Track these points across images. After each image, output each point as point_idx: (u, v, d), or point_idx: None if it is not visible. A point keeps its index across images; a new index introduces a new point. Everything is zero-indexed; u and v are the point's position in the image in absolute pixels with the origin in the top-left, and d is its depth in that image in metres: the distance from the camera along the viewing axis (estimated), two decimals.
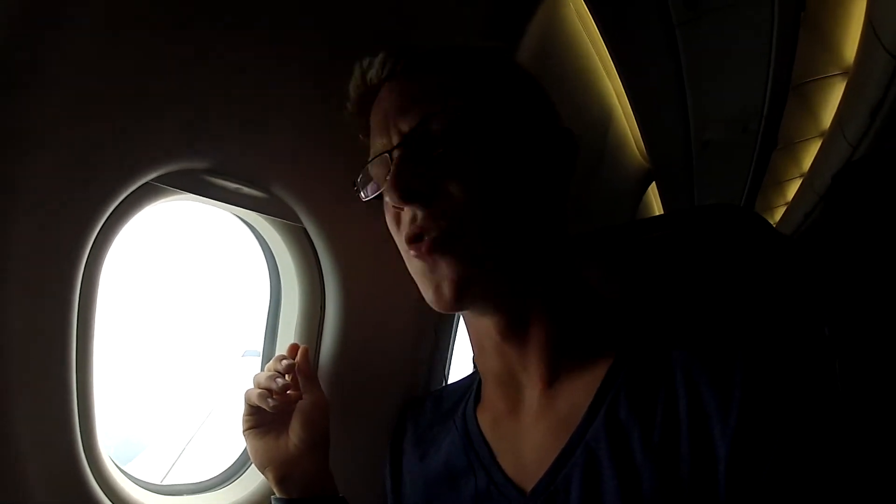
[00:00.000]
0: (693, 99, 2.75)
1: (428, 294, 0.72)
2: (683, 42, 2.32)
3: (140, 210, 0.85)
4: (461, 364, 1.45)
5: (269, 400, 0.91)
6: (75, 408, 0.77)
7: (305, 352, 1.00)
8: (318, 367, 1.10)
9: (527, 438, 0.77)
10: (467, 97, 0.72)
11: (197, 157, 0.85)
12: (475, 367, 0.89)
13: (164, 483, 1.01)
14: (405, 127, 0.71)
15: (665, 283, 0.92)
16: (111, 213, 0.78)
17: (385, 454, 0.97)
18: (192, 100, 0.81)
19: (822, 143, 5.76)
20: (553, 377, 0.76)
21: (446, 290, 0.70)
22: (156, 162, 0.79)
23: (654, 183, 3.38)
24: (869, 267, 0.87)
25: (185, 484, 1.05)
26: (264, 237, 1.12)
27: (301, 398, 0.96)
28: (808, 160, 6.49)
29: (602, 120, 2.24)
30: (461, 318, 0.98)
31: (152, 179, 0.81)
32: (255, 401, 0.92)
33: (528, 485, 0.73)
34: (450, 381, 1.04)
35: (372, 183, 0.78)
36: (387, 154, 0.72)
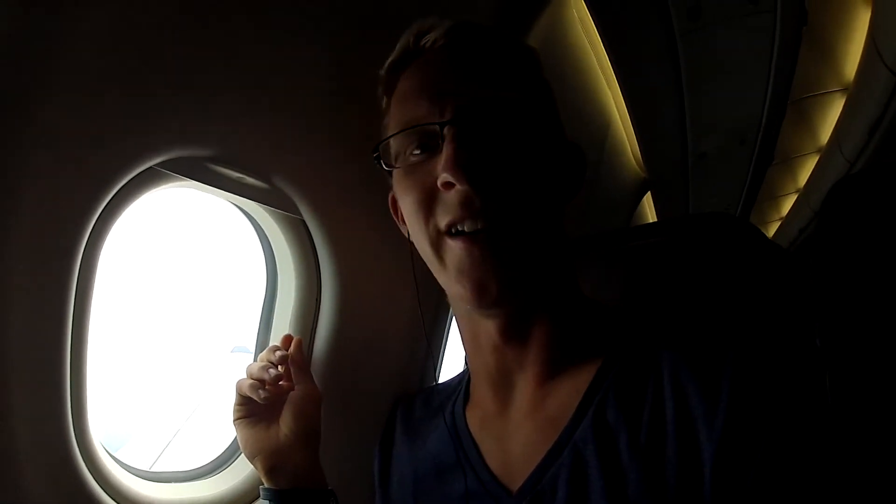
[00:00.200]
0: (692, 110, 2.76)
1: (461, 288, 0.70)
2: (684, 52, 2.33)
3: (142, 195, 0.85)
4: (451, 363, 1.46)
5: (261, 391, 0.91)
6: (68, 392, 0.77)
7: (299, 343, 1.00)
8: (311, 359, 1.10)
9: (514, 437, 0.77)
10: (521, 88, 0.73)
11: (201, 145, 0.86)
12: (466, 365, 0.89)
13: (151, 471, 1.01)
14: (462, 101, 0.69)
15: (657, 289, 0.92)
16: (113, 196, 0.78)
17: (375, 448, 0.97)
18: (198, 88, 0.81)
19: (819, 159, 5.78)
20: (546, 379, 0.76)
21: (493, 287, 0.68)
22: (161, 147, 0.80)
23: (649, 192, 3.38)
24: (863, 280, 0.87)
25: (174, 472, 1.05)
26: (263, 228, 1.12)
27: (293, 389, 0.95)
28: (804, 175, 6.50)
29: (601, 128, 2.24)
30: (453, 315, 0.98)
31: (156, 164, 0.81)
32: (247, 391, 0.92)
33: (515, 484, 0.74)
34: (440, 380, 1.04)
35: (407, 153, 0.74)
36: (436, 126, 0.70)
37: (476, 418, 0.84)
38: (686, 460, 0.63)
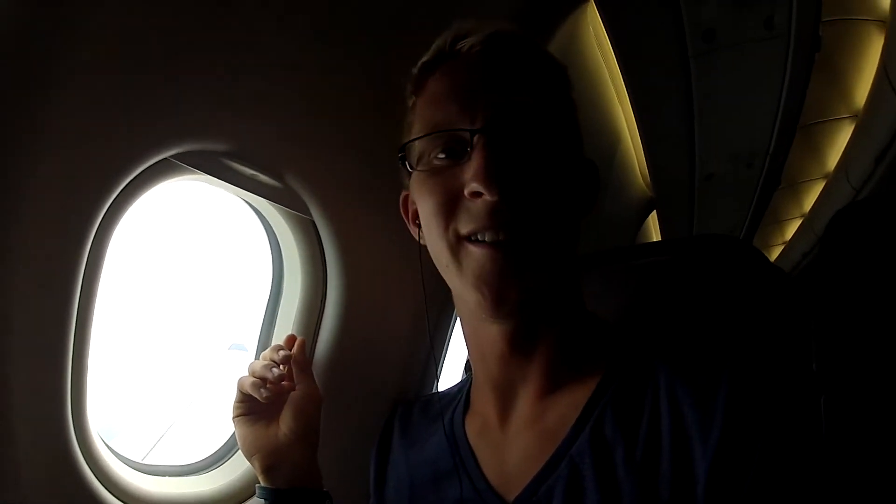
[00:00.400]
0: (701, 131, 2.77)
1: (479, 295, 0.69)
2: (697, 74, 2.34)
3: (155, 185, 0.86)
4: (452, 369, 1.46)
5: (263, 390, 0.90)
6: (69, 385, 0.78)
7: (302, 343, 1.00)
8: (313, 359, 1.10)
9: (512, 448, 0.77)
10: (551, 102, 0.73)
11: (215, 139, 0.86)
12: (465, 373, 0.89)
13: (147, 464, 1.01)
14: (493, 109, 0.69)
15: (658, 307, 0.93)
16: (127, 185, 0.79)
17: (372, 451, 0.97)
18: (214, 81, 0.82)
19: (826, 185, 5.78)
20: (548, 391, 0.76)
21: (512, 297, 0.68)
22: (175, 139, 0.81)
23: (654, 212, 3.39)
24: (862, 307, 0.87)
25: (170, 466, 1.05)
26: (272, 226, 1.13)
27: (294, 389, 0.95)
28: (809, 201, 6.51)
29: (610, 144, 2.25)
30: (457, 322, 0.98)
31: (171, 156, 0.82)
32: (248, 389, 0.91)
33: (511, 494, 0.74)
34: (440, 386, 1.04)
35: (431, 156, 0.73)
36: (466, 132, 0.69)
37: (475, 427, 0.84)
38: (680, 476, 0.64)
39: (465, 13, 0.76)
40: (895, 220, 0.87)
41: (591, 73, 1.87)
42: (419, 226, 0.78)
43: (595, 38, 1.78)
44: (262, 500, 0.92)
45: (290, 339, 1.01)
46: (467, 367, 0.90)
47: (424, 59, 0.77)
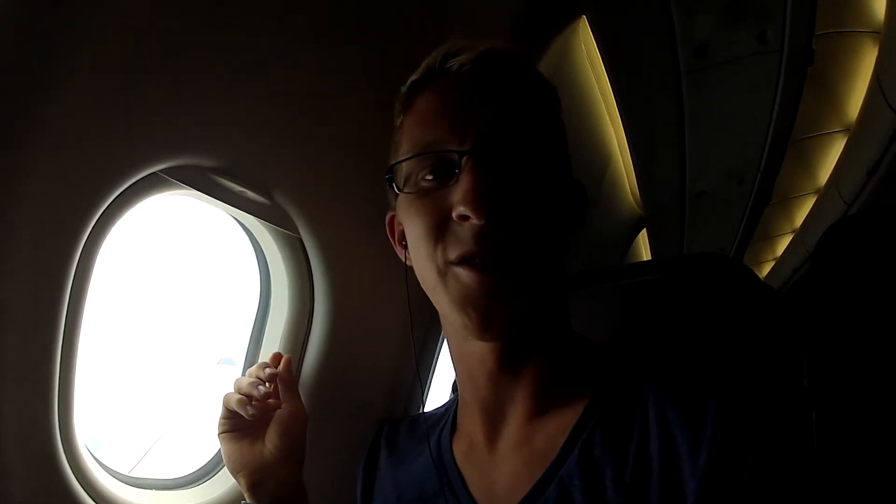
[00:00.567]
0: (692, 148, 2.78)
1: (466, 318, 0.68)
2: (689, 91, 2.35)
3: (143, 199, 0.86)
4: (439, 389, 1.45)
5: (248, 408, 0.90)
6: (56, 397, 0.77)
7: (288, 361, 1.00)
8: (300, 377, 1.10)
9: (500, 470, 0.76)
10: (541, 124, 0.73)
11: (206, 155, 0.86)
12: (453, 393, 0.89)
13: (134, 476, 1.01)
14: (482, 130, 0.68)
15: (648, 327, 0.93)
16: (115, 199, 0.79)
17: (359, 469, 0.96)
18: (208, 99, 0.82)
19: (817, 200, 5.79)
20: (536, 412, 0.76)
21: (498, 319, 0.68)
22: (164, 153, 0.81)
23: (644, 230, 3.39)
24: (853, 322, 0.88)
25: (157, 479, 1.04)
26: (260, 243, 1.13)
27: (280, 407, 0.95)
28: (800, 216, 6.52)
29: (600, 164, 2.26)
30: (445, 342, 0.98)
31: (160, 171, 0.82)
32: (234, 406, 0.91)
33: None
34: (427, 406, 1.03)
35: (419, 177, 0.72)
36: (456, 154, 0.68)
37: (462, 448, 0.83)
38: (670, 496, 0.63)
39: (457, 33, 0.76)
40: (887, 235, 0.87)
41: (583, 90, 1.88)
42: (405, 247, 0.78)
43: (587, 56, 1.79)
44: None
45: (277, 357, 1.01)
46: (454, 388, 0.89)
47: (414, 76, 0.76)
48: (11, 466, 0.71)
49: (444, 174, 0.70)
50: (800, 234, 6.82)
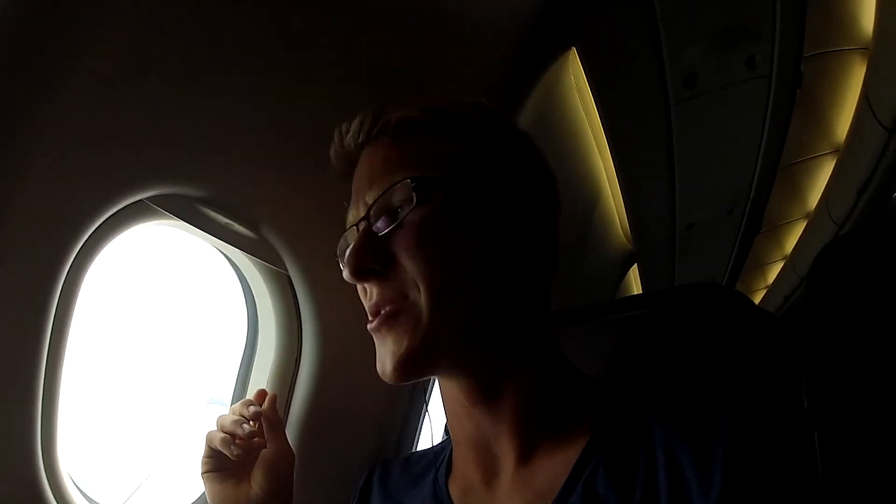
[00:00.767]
0: (682, 180, 2.78)
1: (378, 366, 0.72)
2: (678, 121, 2.36)
3: (129, 227, 0.85)
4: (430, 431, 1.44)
5: (233, 447, 0.88)
6: (38, 428, 0.76)
7: (273, 399, 0.97)
8: (288, 417, 1.08)
9: None
10: (431, 166, 0.72)
11: (192, 184, 0.86)
12: (446, 434, 0.88)
13: None
14: (369, 199, 0.71)
15: (644, 360, 0.92)
16: (100, 226, 0.78)
17: None
18: (196, 129, 0.82)
19: (808, 223, 5.82)
20: (528, 450, 0.74)
21: (388, 363, 0.69)
22: (152, 180, 0.80)
23: (635, 265, 3.38)
24: (850, 339, 0.87)
25: None
26: (248, 279, 1.12)
27: (265, 447, 0.93)
28: (791, 242, 6.54)
29: (591, 198, 2.26)
30: (436, 382, 0.96)
31: (147, 198, 0.82)
32: (218, 445, 0.89)
33: None
34: (419, 447, 1.02)
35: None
36: (355, 227, 0.72)
37: (458, 489, 0.81)
38: None
39: (452, 68, 0.76)
40: (882, 250, 0.87)
41: (572, 123, 1.89)
42: None
43: (577, 90, 1.80)
44: None
45: (261, 394, 0.98)
46: (447, 430, 0.88)
47: (332, 168, 0.80)
48: None
49: None
50: (790, 261, 6.84)
